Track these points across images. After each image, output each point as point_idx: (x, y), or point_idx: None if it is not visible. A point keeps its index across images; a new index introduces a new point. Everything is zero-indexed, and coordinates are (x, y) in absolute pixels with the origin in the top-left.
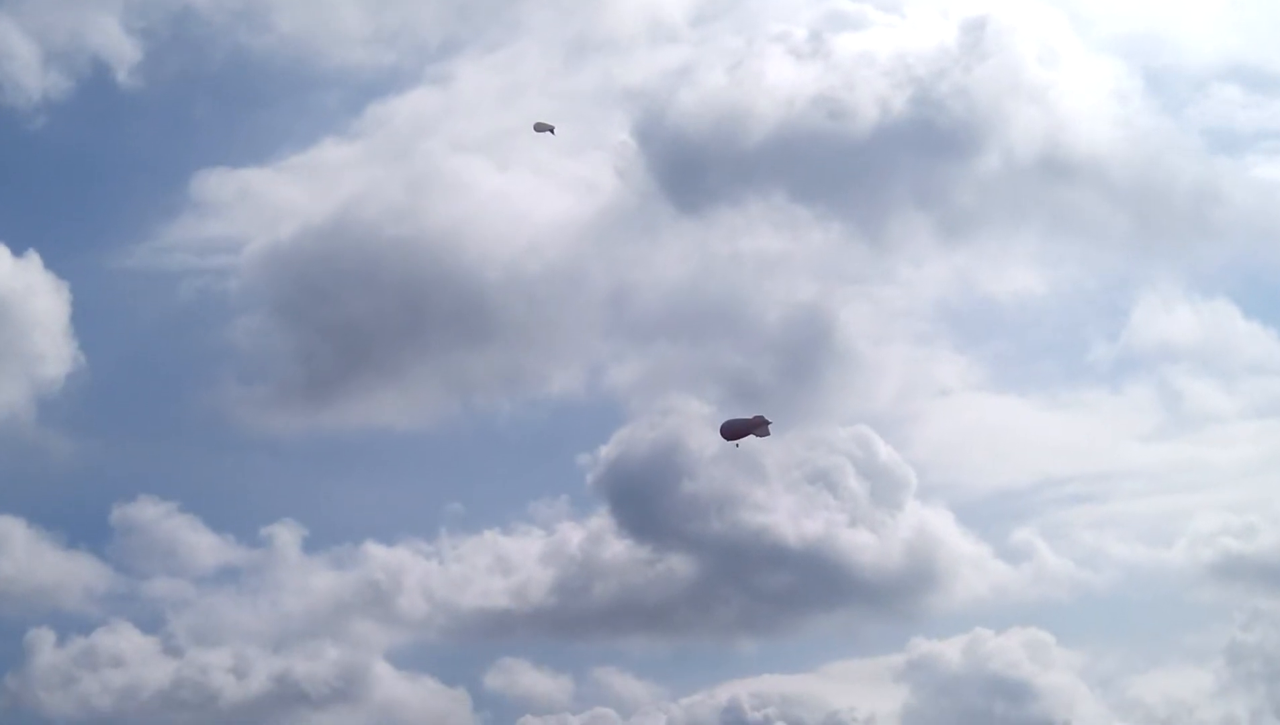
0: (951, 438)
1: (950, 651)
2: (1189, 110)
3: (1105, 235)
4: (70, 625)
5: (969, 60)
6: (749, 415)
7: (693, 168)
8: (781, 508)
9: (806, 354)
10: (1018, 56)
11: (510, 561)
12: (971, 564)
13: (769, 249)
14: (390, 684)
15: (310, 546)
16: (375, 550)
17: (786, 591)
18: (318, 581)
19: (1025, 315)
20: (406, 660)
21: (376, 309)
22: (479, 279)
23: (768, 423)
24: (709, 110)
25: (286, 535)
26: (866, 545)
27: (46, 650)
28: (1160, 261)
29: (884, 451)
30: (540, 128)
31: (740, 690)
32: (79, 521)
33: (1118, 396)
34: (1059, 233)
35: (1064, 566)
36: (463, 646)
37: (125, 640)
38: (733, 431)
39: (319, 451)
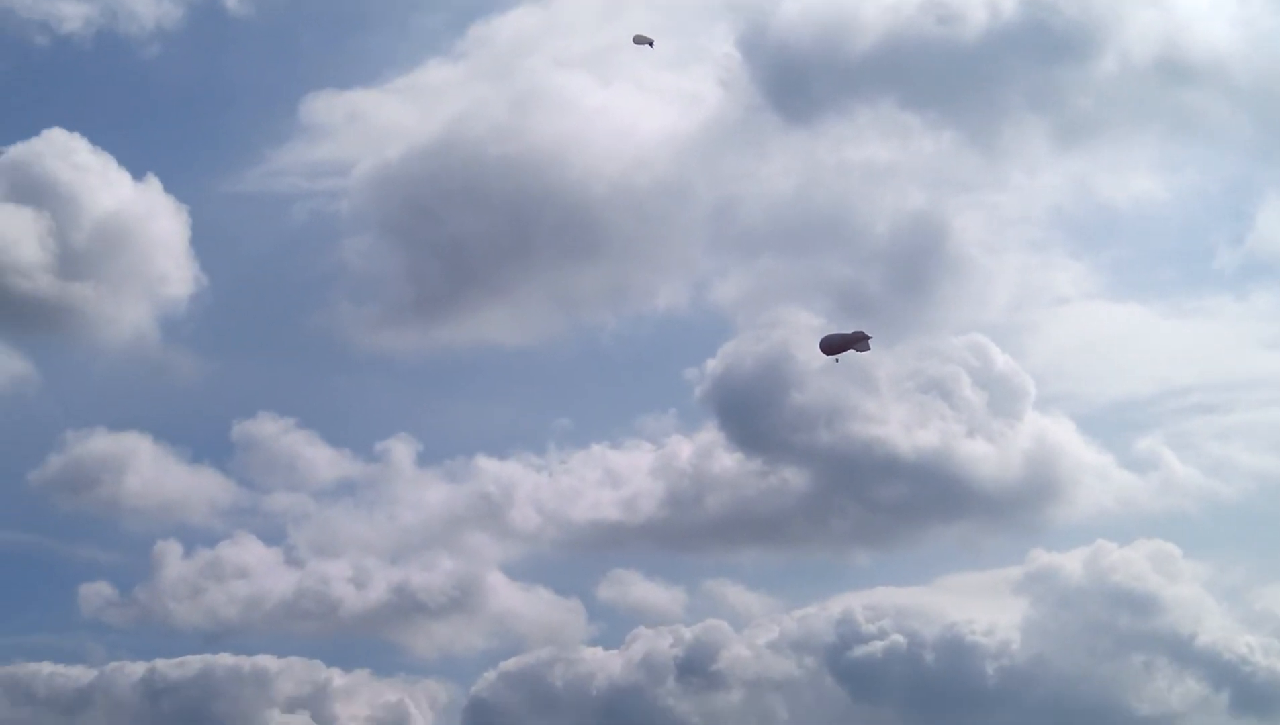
0: (1070, 346)
1: (1071, 564)
2: None
3: (1227, 139)
4: (196, 538)
5: None
6: (852, 329)
7: (798, 78)
8: (894, 419)
9: (918, 263)
10: None
11: (620, 475)
12: (1095, 474)
13: (878, 158)
14: (505, 594)
15: (424, 460)
16: (487, 464)
17: (902, 503)
18: (432, 495)
19: (1145, 221)
20: (521, 572)
21: (484, 227)
22: (584, 195)
23: (868, 337)
24: (814, 19)
25: (401, 450)
26: (984, 456)
27: (174, 562)
28: None
29: (1000, 361)
30: (639, 40)
31: (854, 602)
32: (202, 437)
33: (1242, 303)
34: (1179, 137)
35: (1191, 476)
36: (575, 558)
37: (249, 552)
38: (832, 346)
39: (430, 368)
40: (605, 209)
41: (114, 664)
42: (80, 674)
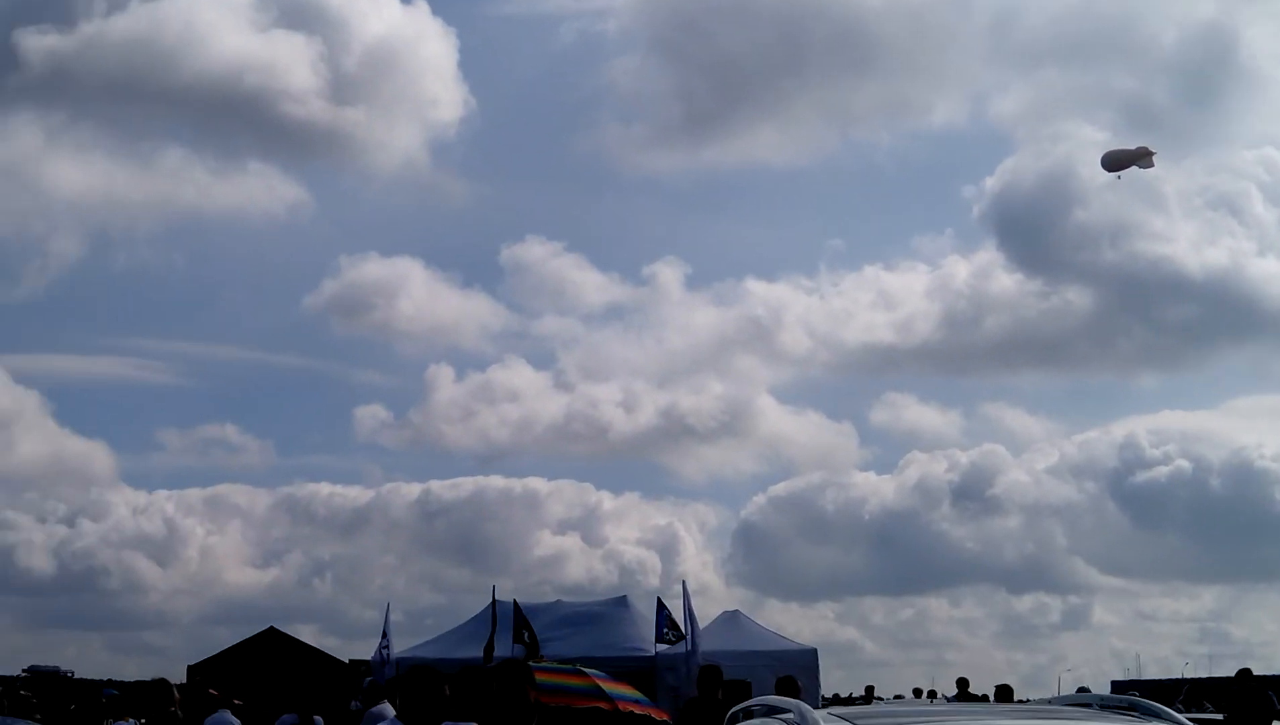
0: None
1: None
2: None
3: None
4: (467, 362)
5: None
6: (1136, 144)
7: None
8: (1182, 236)
9: (1207, 75)
10: None
11: (893, 297)
12: None
13: None
14: (775, 418)
15: (692, 283)
16: (756, 286)
17: (1189, 324)
18: (700, 318)
19: None
20: (791, 395)
21: (753, 43)
22: (857, 7)
23: (1152, 153)
24: None
25: (669, 272)
26: (1276, 275)
27: (446, 385)
28: None
29: None
30: None
31: (1138, 427)
32: (472, 262)
33: None
34: None
35: None
36: (847, 382)
37: (518, 376)
38: (1114, 163)
39: (698, 189)
40: (879, 21)
41: (389, 485)
42: (357, 494)
